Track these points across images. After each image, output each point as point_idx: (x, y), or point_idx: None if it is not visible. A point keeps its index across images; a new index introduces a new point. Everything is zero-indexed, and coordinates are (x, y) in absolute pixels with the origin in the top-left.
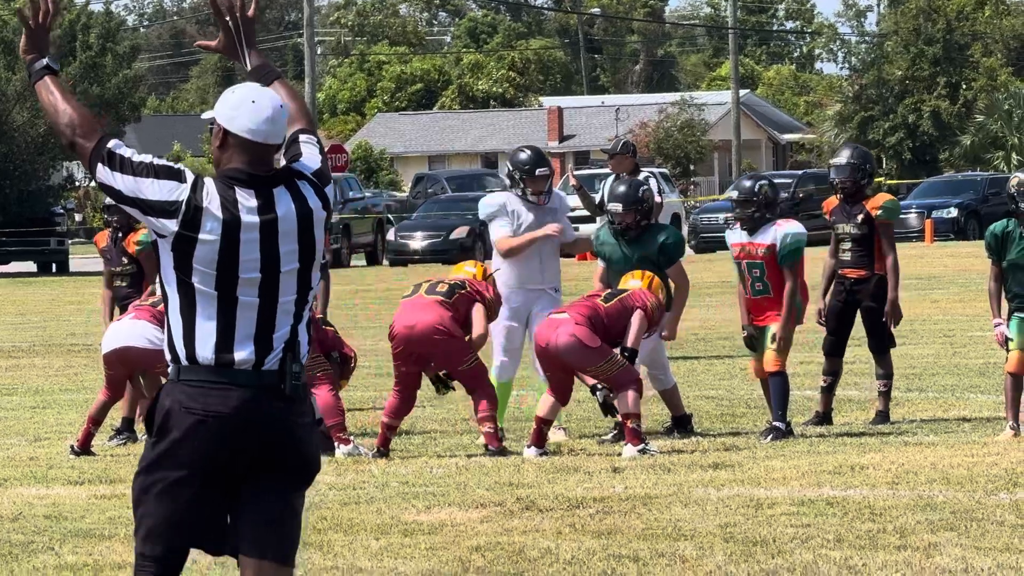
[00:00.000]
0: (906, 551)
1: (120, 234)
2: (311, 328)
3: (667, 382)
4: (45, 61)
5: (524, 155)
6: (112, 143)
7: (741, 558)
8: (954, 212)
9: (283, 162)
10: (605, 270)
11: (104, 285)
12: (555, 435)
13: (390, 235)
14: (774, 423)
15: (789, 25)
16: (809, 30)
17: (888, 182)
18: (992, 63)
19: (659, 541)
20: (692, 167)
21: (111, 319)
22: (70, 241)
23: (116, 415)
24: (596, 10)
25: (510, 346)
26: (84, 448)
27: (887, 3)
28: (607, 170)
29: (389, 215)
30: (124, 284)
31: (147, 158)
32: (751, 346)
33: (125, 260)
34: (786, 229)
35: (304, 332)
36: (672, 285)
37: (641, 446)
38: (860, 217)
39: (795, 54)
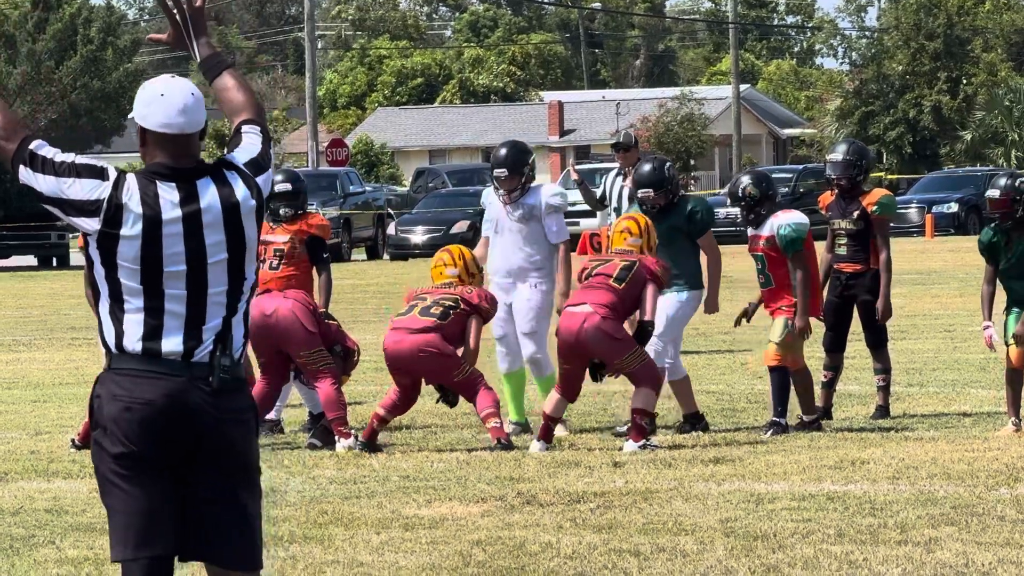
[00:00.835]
0: (907, 546)
1: None
2: (248, 321)
3: (676, 372)
4: None
5: (494, 154)
6: (34, 144)
7: (742, 553)
8: (954, 207)
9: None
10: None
11: (86, 283)
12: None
13: (391, 229)
14: (773, 418)
15: (790, 20)
16: (810, 25)
17: (888, 177)
18: (993, 58)
19: (660, 536)
20: (692, 162)
21: None
22: (71, 235)
23: None
24: (597, 4)
25: (503, 334)
26: (85, 442)
27: None
28: (607, 165)
29: (390, 209)
30: None
31: (69, 157)
32: (736, 321)
33: None
34: (781, 220)
35: (240, 325)
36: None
37: (642, 441)
38: (856, 213)
39: (795, 49)
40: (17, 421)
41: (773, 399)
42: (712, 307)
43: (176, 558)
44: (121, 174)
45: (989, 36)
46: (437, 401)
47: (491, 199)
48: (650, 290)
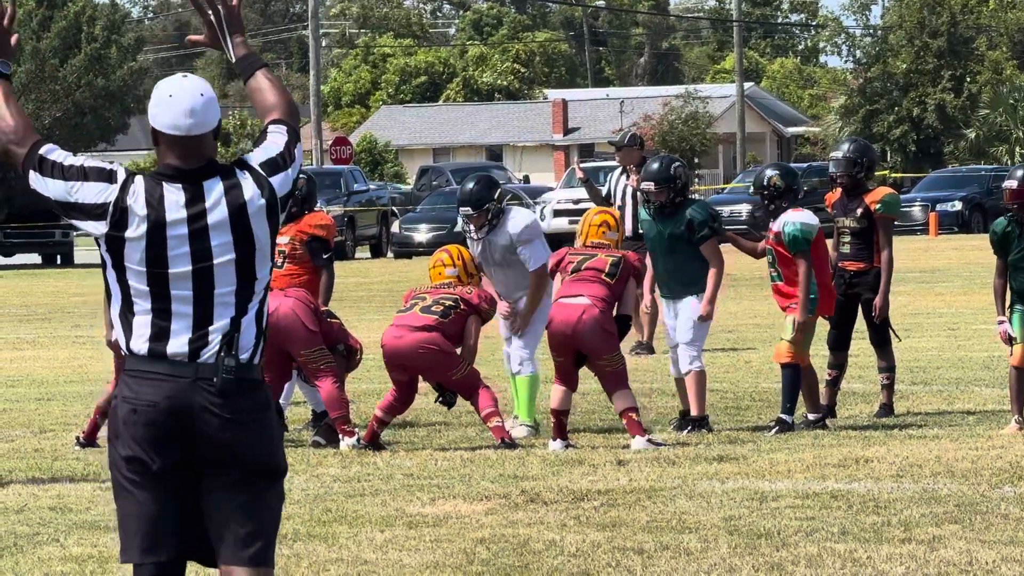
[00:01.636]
0: (910, 544)
1: None
2: (263, 322)
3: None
4: None
5: (460, 190)
6: (44, 148)
7: (745, 551)
8: (958, 205)
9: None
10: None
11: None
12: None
13: (395, 227)
14: (780, 415)
15: (794, 18)
16: (814, 23)
17: (893, 175)
18: (997, 56)
19: (664, 534)
20: (696, 160)
21: None
22: (75, 233)
23: None
24: (601, 2)
25: (510, 335)
26: (90, 440)
27: None
28: (612, 163)
29: (394, 207)
30: None
31: (79, 160)
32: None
33: None
34: (789, 218)
35: (251, 326)
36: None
37: (647, 436)
38: (859, 211)
39: (800, 47)
40: (21, 419)
41: (783, 396)
42: (709, 313)
43: (199, 561)
44: (130, 176)
45: (993, 34)
46: (436, 400)
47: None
48: (631, 286)
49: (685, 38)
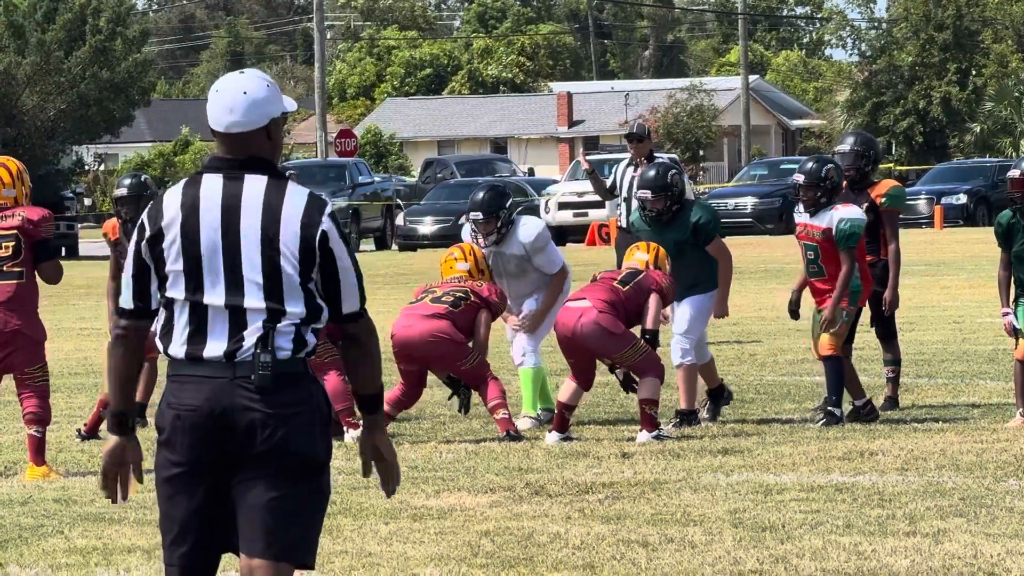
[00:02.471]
0: (915, 537)
1: (131, 226)
2: (307, 333)
3: (703, 357)
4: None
5: (472, 198)
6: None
7: (750, 543)
8: (963, 198)
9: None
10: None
11: (110, 277)
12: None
13: (399, 220)
14: (828, 408)
15: (799, 11)
16: (819, 16)
17: (898, 168)
18: (1002, 49)
19: (668, 526)
20: (701, 152)
21: None
22: (80, 225)
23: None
24: None
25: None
26: (92, 432)
27: None
28: (617, 155)
29: (398, 200)
30: None
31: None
32: (792, 314)
33: None
34: (842, 214)
35: (291, 329)
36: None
37: (656, 432)
38: (865, 204)
39: (805, 40)
40: None
41: (828, 389)
42: (722, 311)
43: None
44: (153, 201)
45: (999, 27)
46: (449, 398)
47: (470, 240)
48: (653, 299)
49: (690, 31)
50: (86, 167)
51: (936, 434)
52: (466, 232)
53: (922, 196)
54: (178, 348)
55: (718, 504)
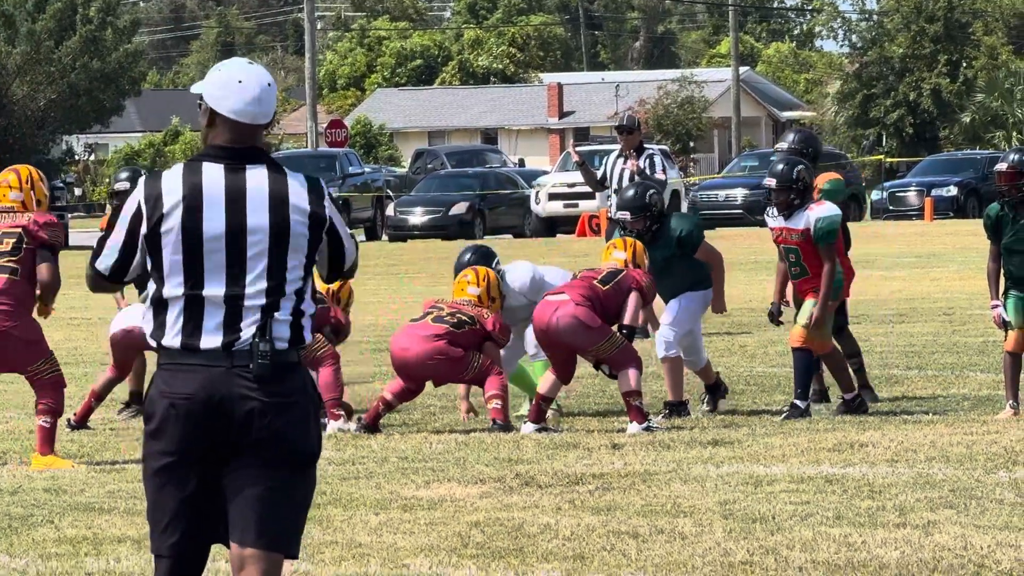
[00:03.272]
0: (905, 529)
1: None
2: (303, 320)
3: (699, 363)
4: None
5: (459, 260)
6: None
7: (740, 535)
8: (954, 190)
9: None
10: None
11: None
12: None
13: (389, 210)
14: (794, 400)
15: (790, 2)
16: (810, 7)
17: (888, 160)
18: (993, 41)
19: (658, 518)
20: (692, 144)
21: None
22: (70, 215)
23: (120, 389)
24: None
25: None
26: (81, 422)
27: None
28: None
29: (388, 190)
30: None
31: (120, 222)
32: (773, 320)
33: None
34: (818, 213)
35: (287, 318)
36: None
37: (645, 424)
38: None
39: (795, 32)
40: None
41: (795, 381)
42: (720, 307)
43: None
44: (156, 172)
45: (989, 19)
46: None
47: None
48: (633, 297)
49: (681, 22)
50: (76, 157)
51: (926, 426)
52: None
53: (912, 188)
54: (173, 338)
55: (708, 495)
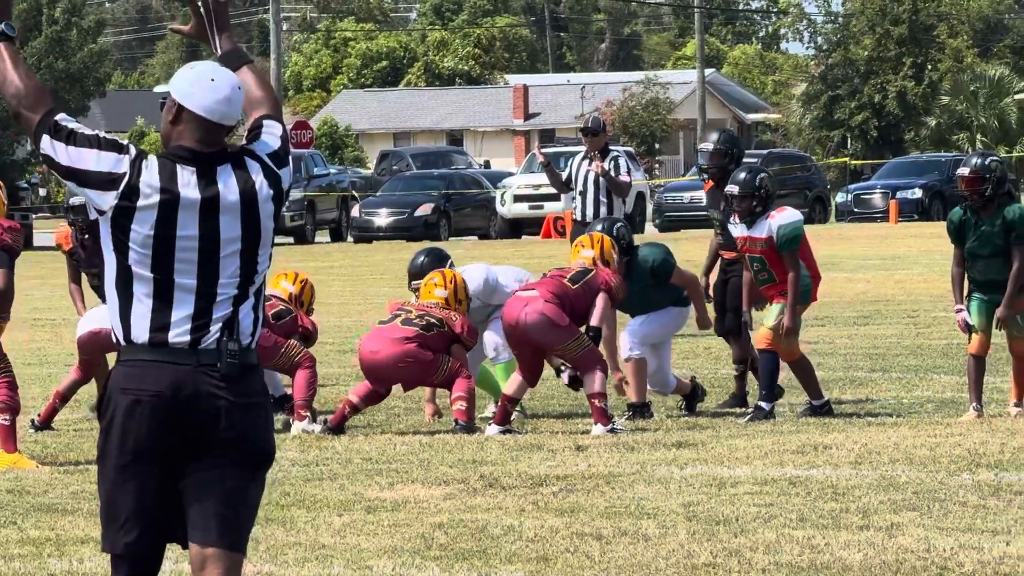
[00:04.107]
0: (868, 531)
1: (87, 235)
2: (260, 308)
3: (667, 390)
4: (1, 26)
5: (412, 263)
6: (59, 116)
7: (704, 537)
8: (919, 193)
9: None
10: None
11: (71, 280)
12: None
13: (355, 212)
14: (758, 402)
15: (755, 4)
16: (775, 9)
17: (853, 162)
18: (958, 44)
19: (622, 519)
20: (657, 146)
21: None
22: (34, 216)
23: (87, 390)
24: None
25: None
26: (45, 423)
27: None
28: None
29: (354, 192)
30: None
31: (93, 131)
32: (744, 330)
33: (98, 260)
34: (779, 220)
35: (250, 313)
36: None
37: (610, 425)
38: (723, 204)
39: (761, 34)
40: None
41: (760, 383)
42: (706, 323)
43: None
44: (141, 152)
45: (954, 22)
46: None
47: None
48: (601, 298)
49: (646, 24)
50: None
51: (890, 428)
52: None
53: (877, 190)
54: (140, 333)
55: (672, 497)
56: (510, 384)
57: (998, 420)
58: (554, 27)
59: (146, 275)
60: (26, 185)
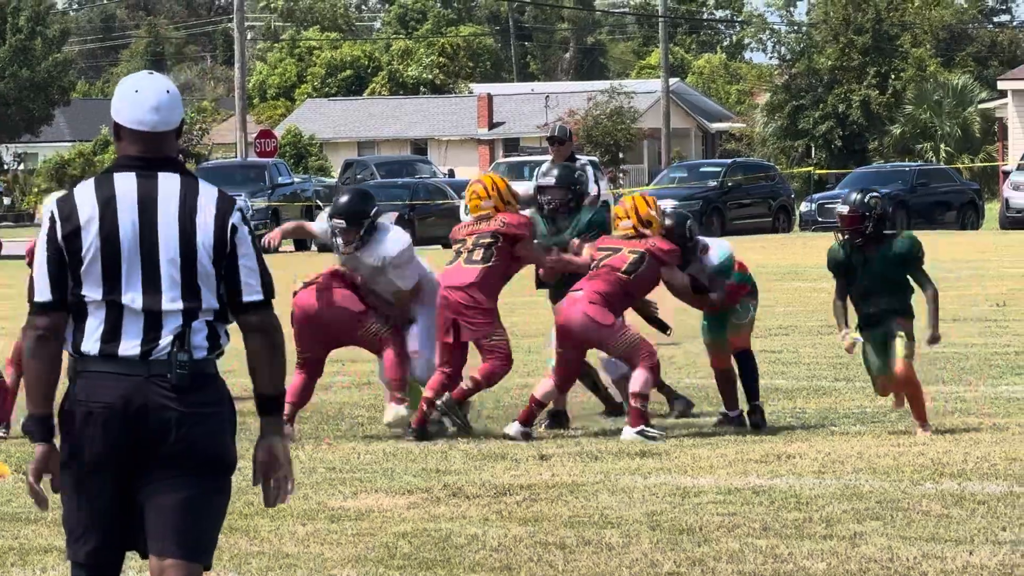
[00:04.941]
0: (832, 540)
1: None
2: (222, 324)
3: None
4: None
5: (335, 202)
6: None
7: (667, 546)
8: None
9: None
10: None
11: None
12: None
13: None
14: (753, 403)
15: (719, 14)
16: (739, 19)
17: (817, 172)
18: (921, 53)
19: (585, 529)
20: (621, 155)
21: None
22: None
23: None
24: None
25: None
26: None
27: None
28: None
29: (318, 201)
30: None
31: (43, 254)
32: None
33: None
34: (712, 259)
35: (202, 324)
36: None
37: (640, 427)
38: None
39: (725, 43)
40: None
41: (744, 387)
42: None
43: (138, 551)
44: (63, 197)
45: (918, 31)
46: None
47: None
48: (665, 272)
49: (611, 33)
50: (5, 166)
51: (853, 438)
52: (323, 219)
53: (841, 200)
54: (91, 345)
55: (635, 506)
56: (540, 387)
57: (961, 431)
58: (518, 36)
59: (94, 286)
60: None
